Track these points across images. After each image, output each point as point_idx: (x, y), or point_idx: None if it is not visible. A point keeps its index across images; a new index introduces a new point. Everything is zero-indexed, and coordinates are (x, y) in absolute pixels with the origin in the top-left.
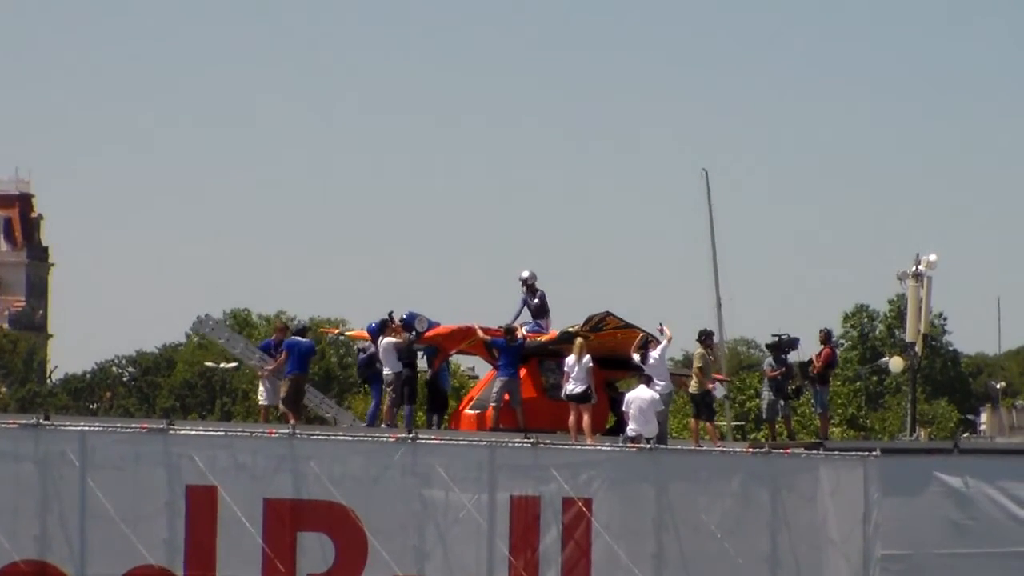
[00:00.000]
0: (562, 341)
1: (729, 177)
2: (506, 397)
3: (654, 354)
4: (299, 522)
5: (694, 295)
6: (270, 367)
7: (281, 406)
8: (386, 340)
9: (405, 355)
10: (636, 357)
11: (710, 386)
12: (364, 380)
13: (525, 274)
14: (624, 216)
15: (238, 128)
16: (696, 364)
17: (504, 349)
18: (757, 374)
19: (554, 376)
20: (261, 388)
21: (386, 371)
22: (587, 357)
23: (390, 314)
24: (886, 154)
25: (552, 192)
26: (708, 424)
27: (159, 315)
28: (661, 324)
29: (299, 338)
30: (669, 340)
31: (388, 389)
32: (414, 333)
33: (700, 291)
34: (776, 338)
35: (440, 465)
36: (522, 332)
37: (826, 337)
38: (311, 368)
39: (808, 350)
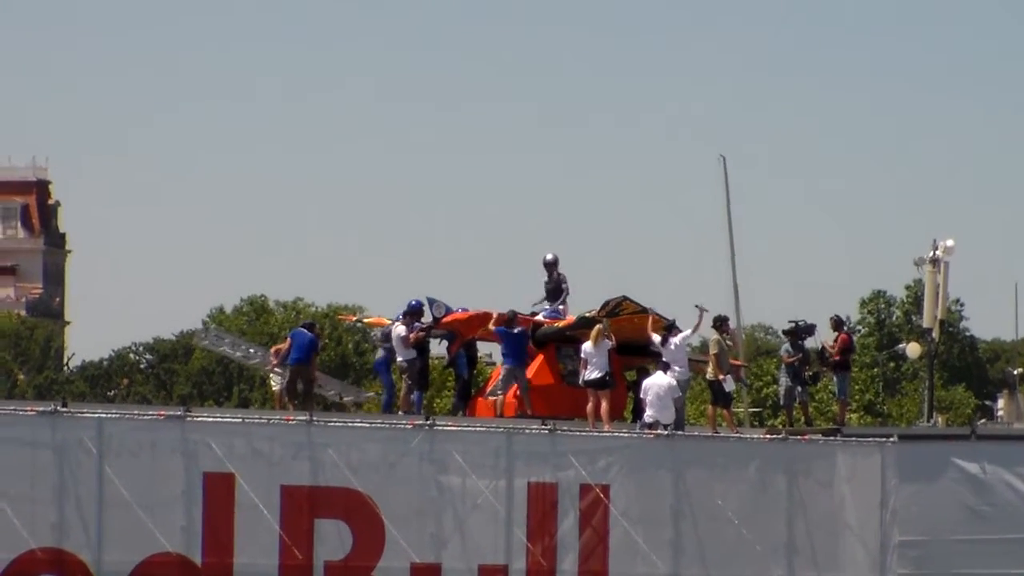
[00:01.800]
0: (579, 327)
1: (747, 163)
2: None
3: (675, 340)
4: (316, 509)
5: (711, 281)
6: (275, 362)
7: (284, 394)
8: (400, 328)
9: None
10: (656, 338)
11: (720, 377)
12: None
13: (549, 257)
14: (642, 202)
15: (255, 115)
16: (712, 351)
17: (506, 337)
18: (774, 360)
19: (571, 362)
20: (275, 377)
21: (399, 359)
22: (607, 341)
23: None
24: (904, 139)
25: (569, 178)
26: (724, 411)
27: (176, 302)
28: (700, 306)
29: (304, 330)
30: (695, 329)
31: (404, 376)
32: (431, 319)
33: (717, 277)
34: (793, 324)
35: (457, 451)
36: (522, 321)
37: (837, 323)
38: (321, 357)
39: (823, 338)
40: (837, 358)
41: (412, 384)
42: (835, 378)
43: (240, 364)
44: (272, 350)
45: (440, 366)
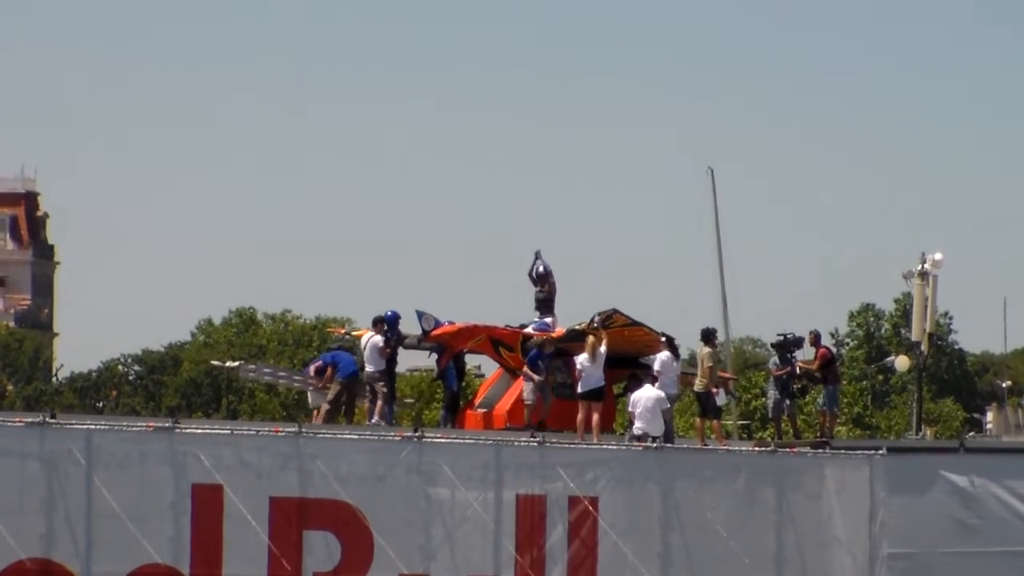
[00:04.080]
0: (569, 339)
1: (735, 175)
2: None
3: (672, 364)
4: (305, 520)
5: (700, 294)
6: (320, 383)
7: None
8: (375, 338)
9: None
10: (666, 354)
11: (713, 390)
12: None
13: (540, 269)
14: (630, 214)
15: (244, 126)
16: (707, 363)
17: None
18: (762, 373)
19: (561, 375)
20: (313, 395)
21: (369, 368)
22: (601, 350)
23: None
24: (892, 152)
25: (557, 190)
26: (714, 423)
27: (165, 313)
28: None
29: (342, 351)
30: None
31: (376, 385)
32: (420, 332)
33: (706, 290)
34: (781, 337)
35: (446, 463)
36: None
37: (816, 339)
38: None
39: (801, 359)
40: (818, 374)
41: (386, 394)
42: (826, 391)
43: (287, 387)
44: (312, 369)
45: (429, 378)
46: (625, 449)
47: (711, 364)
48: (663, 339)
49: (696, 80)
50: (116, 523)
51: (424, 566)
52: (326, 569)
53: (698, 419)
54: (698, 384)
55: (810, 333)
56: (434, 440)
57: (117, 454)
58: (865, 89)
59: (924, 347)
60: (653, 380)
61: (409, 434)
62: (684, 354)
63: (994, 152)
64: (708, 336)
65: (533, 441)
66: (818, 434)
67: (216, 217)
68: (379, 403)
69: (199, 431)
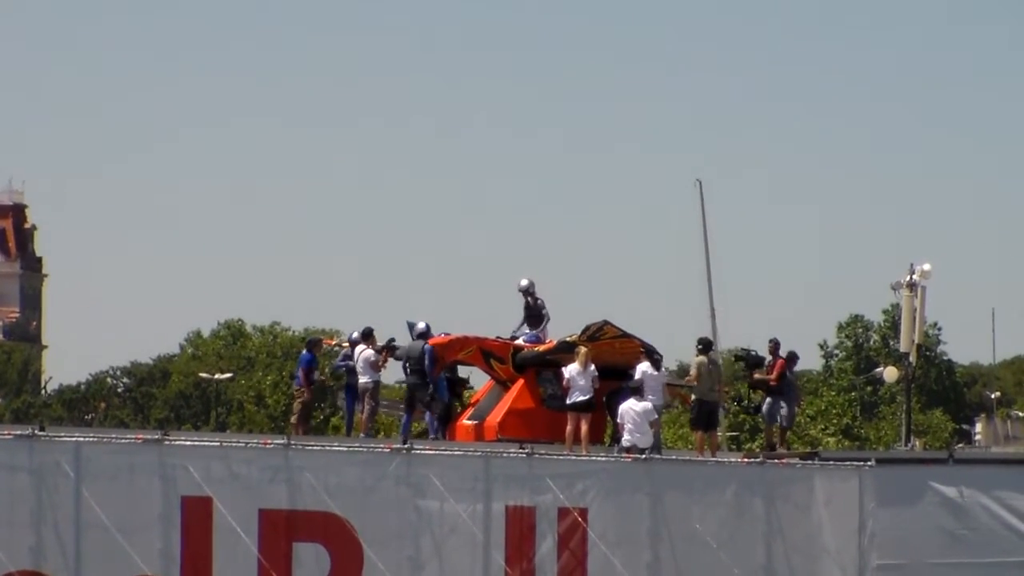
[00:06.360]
0: (560, 351)
1: (723, 188)
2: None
3: (653, 375)
4: (294, 533)
5: (688, 306)
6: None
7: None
8: (367, 351)
9: (416, 363)
10: (646, 364)
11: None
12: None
13: (523, 283)
14: (619, 227)
15: (231, 137)
16: (723, 373)
17: None
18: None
19: (551, 386)
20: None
21: (363, 380)
22: (592, 366)
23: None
24: (881, 163)
25: (546, 203)
26: (711, 433)
27: (153, 326)
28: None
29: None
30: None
31: (368, 398)
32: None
33: (694, 302)
34: (744, 352)
35: (435, 475)
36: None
37: (775, 348)
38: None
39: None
40: (774, 383)
41: (376, 406)
42: (768, 401)
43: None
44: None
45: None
46: (614, 460)
47: (720, 374)
48: (643, 350)
49: (684, 91)
50: (105, 536)
51: None
52: None
53: (700, 432)
54: (708, 393)
55: (769, 342)
56: (423, 452)
57: (106, 467)
58: (854, 100)
59: (912, 358)
60: (639, 392)
61: (398, 446)
62: (672, 365)
63: (983, 163)
64: (708, 345)
65: (522, 453)
66: (765, 446)
67: (204, 230)
68: (364, 415)
69: (188, 443)
